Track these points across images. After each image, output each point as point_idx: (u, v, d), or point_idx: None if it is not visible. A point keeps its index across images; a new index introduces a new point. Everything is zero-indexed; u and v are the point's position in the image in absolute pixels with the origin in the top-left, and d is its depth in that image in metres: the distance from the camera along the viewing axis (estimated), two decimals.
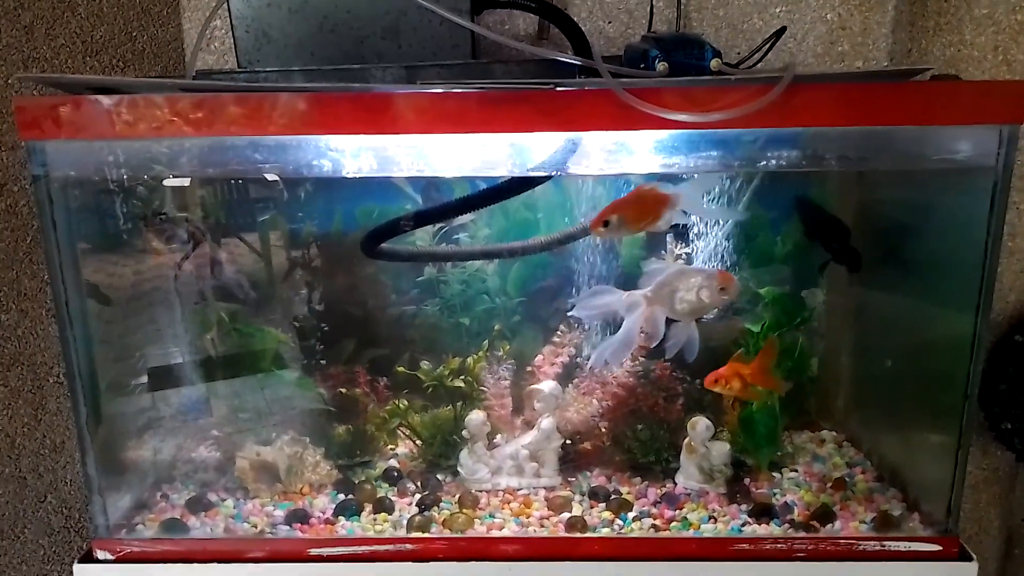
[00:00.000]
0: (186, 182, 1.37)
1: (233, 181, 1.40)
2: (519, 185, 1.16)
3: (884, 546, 1.14)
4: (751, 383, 1.22)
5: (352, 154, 1.07)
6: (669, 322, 1.19)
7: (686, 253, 1.31)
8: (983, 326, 1.08)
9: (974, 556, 1.13)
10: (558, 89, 0.99)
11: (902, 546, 1.14)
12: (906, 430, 1.34)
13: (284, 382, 1.41)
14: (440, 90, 0.99)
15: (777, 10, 1.57)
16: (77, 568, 1.17)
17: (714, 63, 1.07)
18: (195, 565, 1.17)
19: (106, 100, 1.00)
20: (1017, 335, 1.51)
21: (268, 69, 1.22)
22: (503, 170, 1.11)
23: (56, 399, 1.47)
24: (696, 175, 1.17)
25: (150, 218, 1.29)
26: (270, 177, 1.39)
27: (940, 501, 1.15)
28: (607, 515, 1.23)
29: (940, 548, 1.14)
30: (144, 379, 1.34)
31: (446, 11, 1.07)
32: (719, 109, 0.95)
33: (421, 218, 1.29)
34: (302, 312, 1.45)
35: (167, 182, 1.31)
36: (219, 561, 1.17)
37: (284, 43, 1.24)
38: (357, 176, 1.08)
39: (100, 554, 1.18)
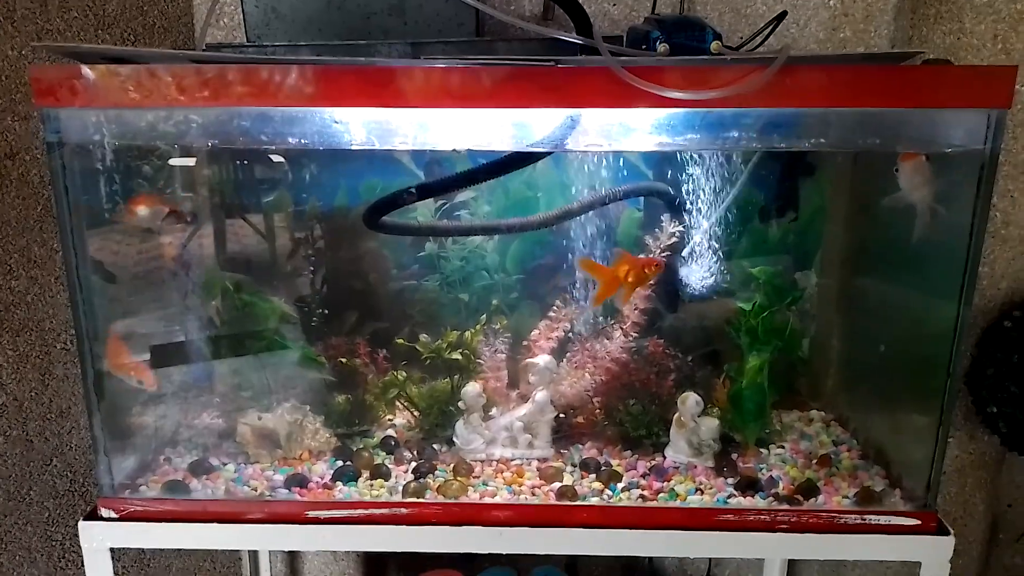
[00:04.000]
0: (191, 161, 1.40)
1: (237, 161, 1.43)
2: (519, 160, 1.19)
3: (865, 520, 1.17)
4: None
5: (357, 127, 1.10)
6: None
7: (679, 231, 1.33)
8: (967, 307, 1.10)
9: (951, 531, 1.16)
10: (559, 66, 1.02)
11: (882, 520, 1.17)
12: (892, 411, 1.37)
13: (287, 353, 1.44)
14: (443, 64, 1.02)
15: None
16: (82, 525, 1.21)
17: (714, 45, 1.10)
18: (196, 525, 1.21)
19: (120, 69, 1.02)
20: (1006, 321, 1.54)
21: (276, 43, 1.25)
22: (504, 145, 1.14)
23: (63, 365, 1.50)
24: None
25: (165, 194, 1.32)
26: (275, 158, 1.42)
27: (921, 478, 1.19)
28: (597, 485, 1.26)
29: (919, 522, 1.17)
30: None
31: None
32: (715, 88, 0.98)
33: (422, 191, 1.32)
34: (306, 285, 1.48)
35: (173, 161, 1.34)
36: (219, 522, 1.21)
37: (292, 18, 1.26)
38: (362, 148, 1.11)
39: (104, 512, 1.22)
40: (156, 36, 1.57)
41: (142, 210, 1.25)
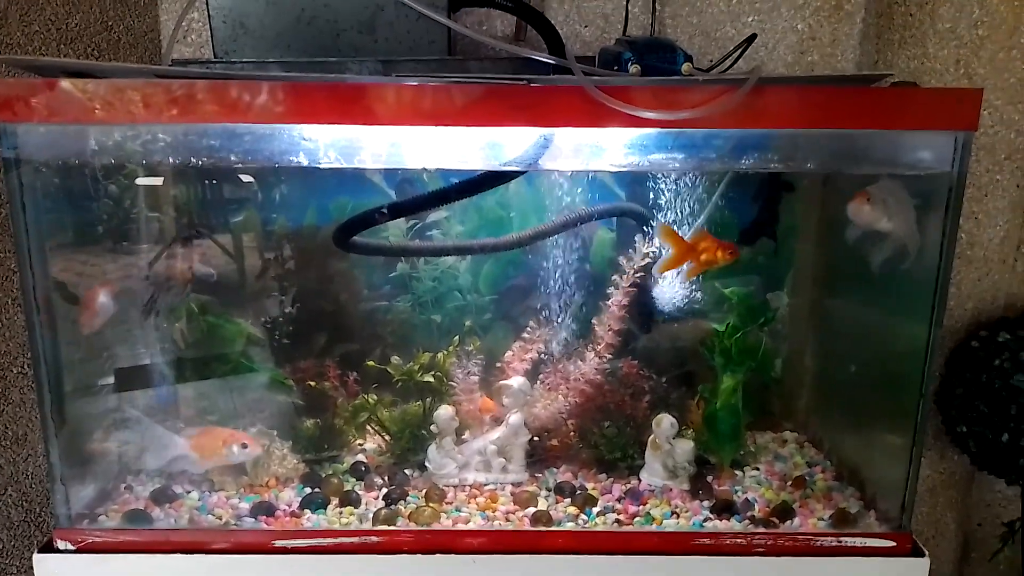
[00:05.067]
0: (159, 181, 1.37)
1: (205, 180, 1.40)
2: (491, 180, 1.18)
3: (841, 542, 1.17)
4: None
5: (326, 145, 1.08)
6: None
7: (652, 252, 1.33)
8: (938, 327, 1.11)
9: (926, 552, 1.16)
10: (531, 85, 1.01)
11: (858, 542, 1.17)
12: (865, 431, 1.37)
13: (254, 376, 1.41)
14: (414, 82, 1.01)
15: (749, 19, 1.61)
16: (37, 557, 1.15)
17: (685, 67, 1.11)
18: (157, 556, 1.16)
19: (82, 84, 1.00)
20: (973, 341, 1.55)
21: (244, 60, 1.23)
22: (477, 164, 1.13)
23: (19, 390, 1.45)
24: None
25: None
26: (244, 177, 1.40)
27: (895, 499, 1.18)
28: (572, 510, 1.24)
29: (894, 544, 1.17)
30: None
31: (423, 7, 1.09)
32: (686, 108, 0.98)
33: (393, 211, 1.30)
34: (274, 307, 1.45)
35: (140, 180, 1.31)
36: (182, 552, 1.16)
37: (261, 34, 1.25)
38: (332, 166, 1.09)
39: (61, 544, 1.16)
40: (121, 52, 1.54)
41: (102, 299, 1.22)
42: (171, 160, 1.17)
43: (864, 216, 1.17)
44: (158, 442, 1.25)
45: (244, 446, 1.23)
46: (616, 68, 1.13)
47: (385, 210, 1.26)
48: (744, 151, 1.11)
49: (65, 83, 1.00)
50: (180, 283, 1.36)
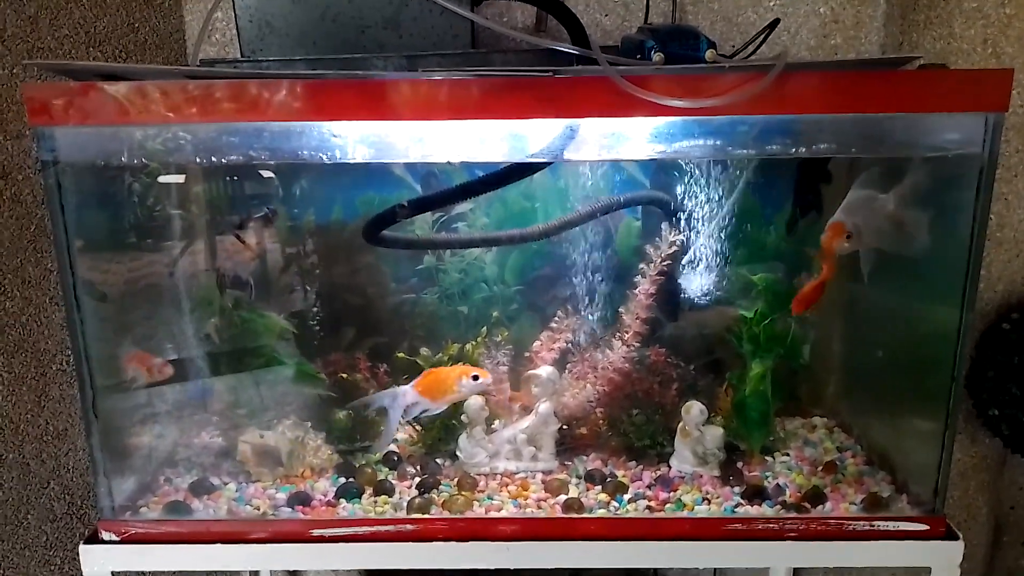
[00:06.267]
0: (181, 178, 1.39)
1: (231, 177, 1.42)
2: (517, 172, 1.19)
3: (873, 526, 1.17)
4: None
5: (355, 140, 1.10)
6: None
7: (680, 241, 1.33)
8: (969, 310, 1.10)
9: (960, 535, 1.16)
10: (556, 76, 1.02)
11: (891, 526, 1.17)
12: (895, 416, 1.37)
13: (286, 369, 1.43)
14: (440, 77, 1.02)
15: (771, 3, 1.60)
16: (83, 548, 1.19)
17: (709, 54, 1.10)
18: (199, 546, 1.19)
19: (114, 87, 1.02)
20: (1004, 323, 1.54)
21: (271, 58, 1.24)
22: (502, 157, 1.14)
23: (59, 386, 1.48)
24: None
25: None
26: (266, 174, 1.41)
27: (927, 483, 1.18)
28: (603, 497, 1.25)
29: (928, 528, 1.17)
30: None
31: (446, 1, 1.10)
32: (712, 96, 0.98)
33: (421, 205, 1.31)
34: (305, 301, 1.47)
35: (164, 178, 1.33)
36: (223, 542, 1.19)
37: (287, 32, 1.26)
38: (361, 162, 1.10)
39: (105, 535, 1.20)
40: (148, 53, 1.56)
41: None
42: (199, 160, 1.19)
43: (843, 250, 1.18)
44: (387, 400, 1.27)
45: (475, 377, 1.24)
46: (639, 56, 1.13)
47: (409, 203, 1.27)
48: (770, 137, 1.11)
49: (101, 86, 1.02)
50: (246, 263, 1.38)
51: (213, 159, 1.17)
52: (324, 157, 1.10)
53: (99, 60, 1.47)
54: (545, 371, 1.36)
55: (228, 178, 1.43)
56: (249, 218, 1.37)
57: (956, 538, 1.16)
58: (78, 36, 1.43)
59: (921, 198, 1.19)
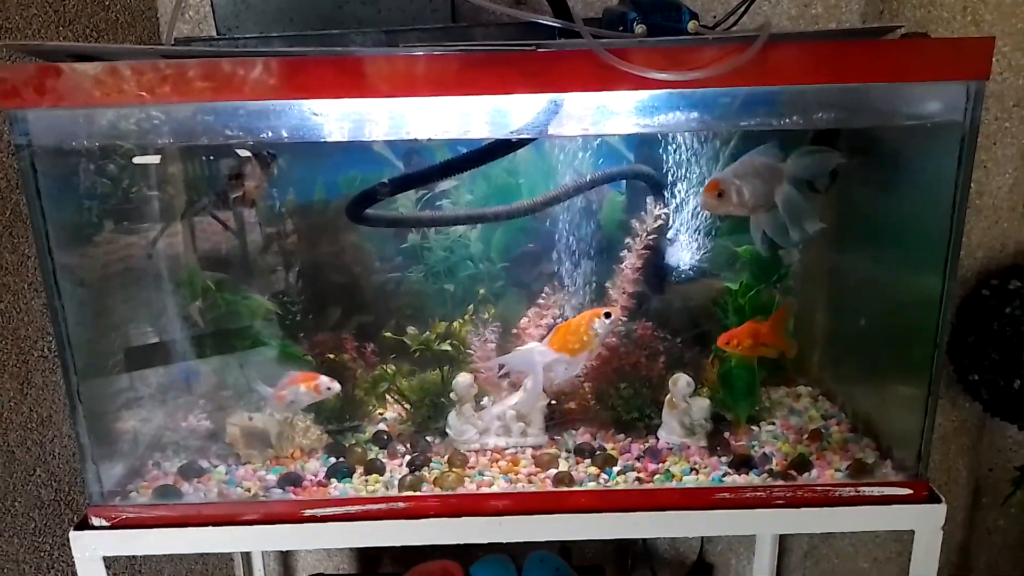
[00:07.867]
0: (156, 159, 1.37)
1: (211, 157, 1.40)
2: (502, 148, 1.18)
3: (859, 492, 1.19)
4: (763, 343, 1.26)
5: (335, 118, 1.08)
6: None
7: (664, 214, 1.33)
8: (952, 278, 1.12)
9: (943, 498, 1.18)
10: (539, 51, 1.00)
11: (875, 491, 1.19)
12: (878, 384, 1.39)
13: (272, 351, 1.42)
14: (421, 52, 1.00)
15: None
16: (74, 535, 1.18)
17: (691, 25, 1.09)
18: (191, 529, 1.19)
19: (87, 67, 0.99)
20: (984, 289, 1.56)
21: (247, 35, 1.22)
22: (485, 133, 1.13)
23: (41, 373, 1.47)
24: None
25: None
26: (243, 153, 1.39)
27: (911, 448, 1.20)
28: (592, 470, 1.26)
29: (911, 492, 1.19)
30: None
31: None
32: (697, 68, 0.97)
33: (405, 182, 1.30)
34: (289, 281, 1.46)
35: (137, 159, 1.31)
36: (214, 524, 1.19)
37: (263, 9, 1.24)
38: (342, 140, 1.09)
39: (96, 520, 1.19)
40: (120, 32, 1.52)
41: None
42: (172, 141, 1.17)
43: (712, 207, 1.15)
44: (523, 360, 1.30)
45: (608, 315, 1.25)
46: (621, 28, 1.12)
47: (390, 181, 1.26)
48: (753, 107, 1.11)
49: (74, 67, 0.99)
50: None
51: (190, 140, 1.15)
52: (303, 135, 1.09)
53: (69, 39, 1.43)
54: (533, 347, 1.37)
55: (208, 158, 1.41)
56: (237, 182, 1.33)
57: (939, 501, 1.18)
58: (47, 15, 1.40)
59: (834, 179, 1.19)
